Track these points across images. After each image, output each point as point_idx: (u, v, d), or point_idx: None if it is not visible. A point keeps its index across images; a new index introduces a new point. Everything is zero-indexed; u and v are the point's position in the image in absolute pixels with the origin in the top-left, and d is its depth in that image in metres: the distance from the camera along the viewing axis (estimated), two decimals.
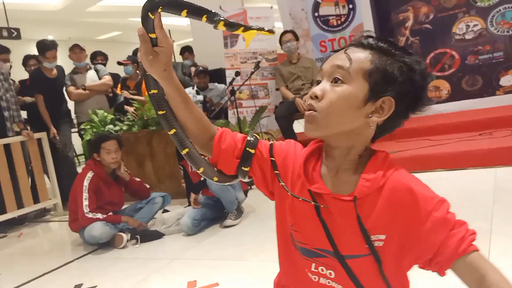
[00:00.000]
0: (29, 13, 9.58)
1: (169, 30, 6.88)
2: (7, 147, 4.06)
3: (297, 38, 4.80)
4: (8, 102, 4.18)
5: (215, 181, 1.02)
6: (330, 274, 0.92)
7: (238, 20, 5.13)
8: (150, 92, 0.94)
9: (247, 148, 0.98)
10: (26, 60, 5.23)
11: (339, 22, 5.43)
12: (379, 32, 5.55)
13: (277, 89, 4.88)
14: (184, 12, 0.87)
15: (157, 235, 3.19)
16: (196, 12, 0.88)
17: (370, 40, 0.89)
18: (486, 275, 0.79)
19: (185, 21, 10.81)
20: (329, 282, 0.93)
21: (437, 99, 5.39)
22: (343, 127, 0.88)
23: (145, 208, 3.50)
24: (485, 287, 0.78)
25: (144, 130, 4.52)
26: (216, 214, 3.34)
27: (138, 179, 3.62)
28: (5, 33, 8.00)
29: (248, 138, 1.00)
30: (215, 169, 1.01)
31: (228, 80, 4.96)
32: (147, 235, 3.18)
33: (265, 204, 3.65)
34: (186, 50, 6.30)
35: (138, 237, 3.13)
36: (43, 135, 4.50)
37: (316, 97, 0.88)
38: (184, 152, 0.97)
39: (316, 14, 5.51)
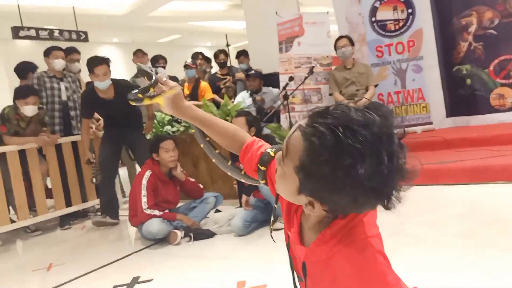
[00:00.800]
0: (96, 17, 10.18)
1: (226, 34, 7.14)
2: (74, 144, 4.35)
3: (352, 44, 4.77)
4: (75, 102, 4.49)
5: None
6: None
7: (294, 25, 5.18)
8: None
9: (259, 165, 1.06)
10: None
11: (397, 27, 5.32)
12: (440, 37, 5.39)
13: (330, 94, 4.88)
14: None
15: (209, 234, 3.31)
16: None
17: (301, 124, 0.79)
18: None
19: (241, 24, 11.00)
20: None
21: (500, 108, 5.14)
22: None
23: (198, 207, 3.64)
24: None
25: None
26: (266, 216, 3.40)
27: (192, 180, 3.78)
28: (74, 36, 8.56)
29: (266, 151, 1.07)
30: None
31: (282, 84, 5.02)
32: (200, 234, 3.30)
33: None
34: (242, 54, 6.44)
35: (192, 235, 3.26)
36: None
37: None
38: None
39: (374, 19, 5.44)
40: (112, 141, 4.07)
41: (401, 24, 5.30)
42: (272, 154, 1.06)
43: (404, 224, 2.94)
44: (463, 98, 5.35)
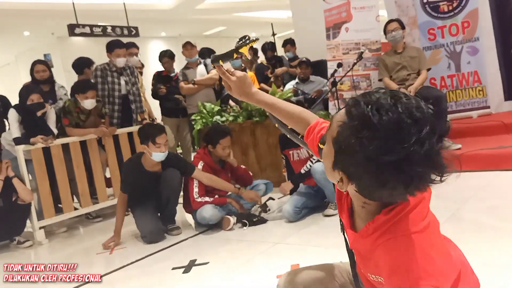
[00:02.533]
0: (144, 12, 10.48)
1: (271, 24, 7.17)
2: (130, 135, 4.55)
3: (403, 27, 4.63)
4: (134, 95, 4.68)
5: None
6: None
7: (341, 11, 5.10)
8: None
9: (320, 144, 1.02)
10: (161, 56, 5.60)
11: (450, 8, 5.10)
12: (497, 17, 5.12)
13: (380, 80, 4.77)
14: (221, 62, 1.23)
15: (261, 220, 3.38)
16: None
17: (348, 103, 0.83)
18: None
19: (286, 13, 10.93)
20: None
21: None
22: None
23: None
24: None
25: (248, 120, 4.75)
26: (317, 203, 3.42)
27: (243, 167, 3.86)
28: (125, 31, 8.87)
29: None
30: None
31: (330, 71, 4.97)
32: (252, 220, 3.37)
33: None
34: (288, 43, 6.42)
35: (246, 221, 3.34)
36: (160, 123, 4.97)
37: None
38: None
39: (425, 0, 5.24)
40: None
41: (455, 4, 5.07)
42: None
43: (463, 210, 2.87)
44: None
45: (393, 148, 0.75)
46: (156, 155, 3.36)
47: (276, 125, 1.35)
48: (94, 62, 5.00)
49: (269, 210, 3.53)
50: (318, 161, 3.23)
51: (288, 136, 1.37)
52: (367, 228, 0.89)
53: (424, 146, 0.76)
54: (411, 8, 5.54)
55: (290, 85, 5.59)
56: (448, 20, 5.12)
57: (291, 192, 3.57)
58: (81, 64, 4.93)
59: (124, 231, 3.49)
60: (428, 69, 4.57)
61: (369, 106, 0.78)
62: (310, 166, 3.31)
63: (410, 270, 0.82)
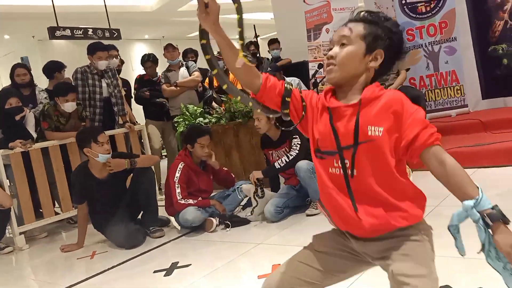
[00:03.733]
0: (126, 14, 10.39)
1: (254, 25, 7.15)
2: (112, 138, 4.50)
3: None
4: (116, 97, 4.64)
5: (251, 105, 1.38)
6: (337, 164, 1.25)
7: (322, 12, 5.15)
8: (200, 42, 1.36)
9: (285, 97, 1.31)
10: (144, 61, 5.55)
11: (428, 9, 5.20)
12: (474, 16, 5.23)
13: None
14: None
15: (243, 221, 3.39)
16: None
17: (362, 14, 1.29)
18: (445, 160, 1.16)
19: (269, 15, 10.97)
20: (337, 171, 1.25)
21: None
22: (351, 73, 1.26)
23: (232, 195, 3.73)
24: (444, 168, 1.16)
25: (231, 122, 4.76)
26: (298, 203, 3.45)
27: (225, 169, 3.87)
28: (107, 34, 8.76)
29: (286, 85, 1.33)
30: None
31: (311, 72, 5.01)
32: (235, 221, 3.38)
33: None
34: (274, 42, 6.47)
35: (229, 223, 3.35)
36: (142, 127, 4.94)
37: (331, 57, 1.26)
38: (224, 87, 1.39)
39: (404, 1, 5.33)
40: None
41: (432, 5, 5.17)
42: (290, 88, 1.33)
43: (441, 206, 2.92)
44: (499, 78, 5.18)
45: (399, 37, 1.27)
46: (102, 156, 3.32)
47: (214, 71, 1.39)
48: (65, 66, 4.92)
49: (262, 195, 3.43)
50: (295, 158, 3.25)
51: (238, 98, 1.43)
52: (369, 86, 1.25)
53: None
54: (391, 10, 5.62)
55: None
56: (426, 20, 5.22)
57: (272, 190, 3.58)
58: (51, 68, 4.83)
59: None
60: (407, 70, 4.64)
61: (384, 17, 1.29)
62: (286, 161, 3.30)
63: (412, 104, 1.22)
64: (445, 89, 5.20)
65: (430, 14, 5.19)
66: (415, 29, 5.28)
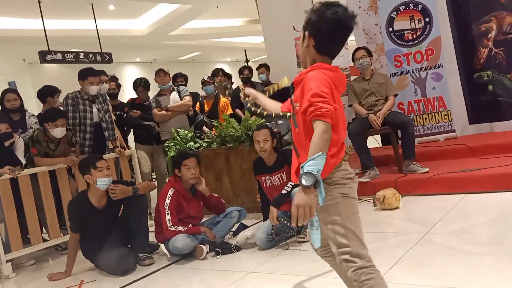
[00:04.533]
0: (118, 38, 10.48)
1: (244, 50, 7.26)
2: None
3: (370, 54, 4.79)
4: (107, 122, 4.64)
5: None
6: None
7: None
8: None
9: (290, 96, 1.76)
10: (136, 86, 5.62)
11: (414, 36, 5.33)
12: (459, 44, 5.37)
13: (349, 106, 4.90)
14: None
15: (234, 249, 3.36)
16: None
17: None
18: (314, 132, 1.47)
19: (260, 39, 11.14)
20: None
21: None
22: (302, 57, 1.69)
23: (222, 221, 3.70)
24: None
25: (222, 147, 4.77)
26: (291, 230, 3.43)
27: (216, 195, 3.86)
28: (98, 58, 8.82)
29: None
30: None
31: None
32: (225, 248, 3.36)
33: None
34: (262, 66, 6.55)
35: (219, 250, 3.32)
36: (133, 152, 4.93)
37: None
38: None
39: (391, 29, 5.46)
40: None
41: (418, 33, 5.30)
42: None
43: (431, 233, 2.94)
44: (485, 104, 5.29)
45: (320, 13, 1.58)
46: (101, 180, 3.32)
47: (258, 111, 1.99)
48: (59, 91, 4.93)
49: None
50: (296, 185, 3.24)
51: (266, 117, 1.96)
52: (301, 73, 1.60)
53: (342, 29, 1.59)
54: (378, 36, 5.76)
55: None
56: (413, 47, 5.34)
57: (264, 217, 3.57)
58: (45, 93, 4.85)
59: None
60: (395, 95, 4.72)
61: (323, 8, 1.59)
62: (291, 186, 3.30)
63: (319, 81, 1.53)
64: (433, 114, 5.29)
65: (417, 41, 5.32)
66: (402, 55, 5.39)
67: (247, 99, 2.09)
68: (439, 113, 5.26)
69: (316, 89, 1.48)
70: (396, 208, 3.71)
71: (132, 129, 5.61)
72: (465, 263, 2.37)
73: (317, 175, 1.39)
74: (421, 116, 5.34)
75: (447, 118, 5.24)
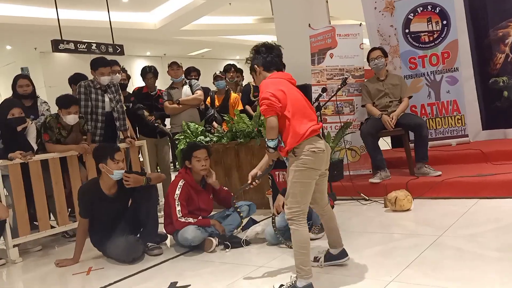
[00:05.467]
0: (130, 31, 10.49)
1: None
2: None
3: (385, 55, 4.75)
4: (118, 112, 4.62)
5: None
6: None
7: (327, 37, 5.21)
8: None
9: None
10: (145, 72, 5.63)
11: (431, 39, 5.28)
12: (476, 48, 5.31)
13: (363, 106, 4.86)
14: None
15: (244, 243, 3.33)
16: None
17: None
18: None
19: (271, 38, 11.10)
20: None
21: None
22: (259, 81, 2.54)
23: (232, 215, 3.68)
24: None
25: (232, 142, 4.75)
26: None
27: (226, 188, 3.83)
28: (110, 49, 8.81)
29: None
30: None
31: (314, 96, 5.03)
32: (235, 242, 3.33)
33: (351, 223, 3.65)
34: None
35: (229, 243, 3.29)
36: (143, 143, 4.92)
37: None
38: None
39: (407, 30, 5.41)
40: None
41: (435, 35, 5.25)
42: None
43: (444, 236, 2.90)
44: (500, 110, 5.24)
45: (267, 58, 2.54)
46: (117, 172, 3.32)
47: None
48: (86, 77, 4.94)
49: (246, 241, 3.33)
50: None
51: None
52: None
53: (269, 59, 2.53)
54: (393, 38, 5.72)
55: None
56: (429, 50, 5.29)
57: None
58: (75, 79, 4.90)
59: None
60: (410, 97, 4.68)
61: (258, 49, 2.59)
62: None
63: (265, 87, 2.36)
64: (446, 118, 5.24)
65: (433, 44, 5.27)
66: (417, 58, 5.34)
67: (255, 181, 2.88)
68: (453, 117, 5.21)
69: (260, 94, 2.37)
70: (408, 210, 3.67)
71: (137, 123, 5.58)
72: (479, 268, 2.33)
73: (274, 147, 2.36)
74: (433, 119, 5.30)
75: (460, 123, 5.19)
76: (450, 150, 4.87)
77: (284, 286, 2.30)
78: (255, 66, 2.50)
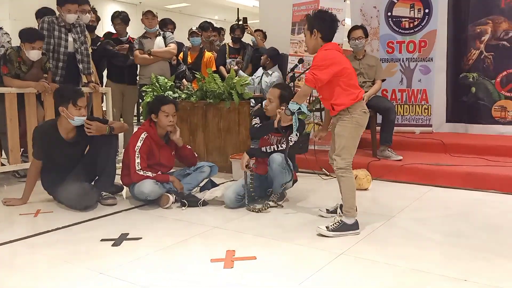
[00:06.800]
0: None
1: (237, 9, 7.07)
2: None
3: (366, 36, 4.71)
4: (82, 55, 4.39)
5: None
6: None
7: (310, 8, 5.11)
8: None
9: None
10: (114, 17, 5.38)
11: (411, 25, 5.29)
12: (452, 42, 5.38)
13: None
14: None
15: (201, 203, 3.30)
16: None
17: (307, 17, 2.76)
18: None
19: (252, 2, 10.85)
20: None
21: (501, 120, 5.18)
22: (309, 47, 2.76)
23: (192, 174, 3.63)
24: None
25: (201, 101, 4.65)
26: (260, 193, 3.41)
27: (189, 147, 3.75)
28: None
29: None
30: None
31: (290, 66, 4.97)
32: (191, 201, 3.30)
33: (309, 195, 3.69)
34: (259, 31, 6.41)
35: (186, 201, 3.25)
36: (107, 89, 4.72)
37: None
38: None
39: (389, 13, 5.40)
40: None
41: (416, 23, 5.27)
42: None
43: (397, 217, 2.98)
44: (465, 105, 5.38)
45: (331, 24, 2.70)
46: (78, 119, 3.18)
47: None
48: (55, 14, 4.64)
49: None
50: (281, 151, 3.19)
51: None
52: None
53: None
54: (375, 20, 5.70)
55: (259, 73, 5.64)
56: (407, 36, 5.32)
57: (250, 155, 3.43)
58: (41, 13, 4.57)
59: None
60: (383, 80, 4.70)
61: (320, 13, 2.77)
62: (274, 149, 3.24)
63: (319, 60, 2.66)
64: (414, 106, 5.33)
65: (412, 31, 5.29)
66: (395, 42, 5.36)
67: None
68: (420, 106, 5.31)
69: (314, 63, 2.64)
70: (366, 189, 3.74)
71: (106, 63, 5.35)
72: (425, 248, 2.42)
73: (293, 111, 2.75)
74: (402, 106, 5.38)
75: (426, 113, 5.29)
76: (413, 137, 4.98)
77: (330, 225, 2.61)
78: (316, 30, 2.65)
